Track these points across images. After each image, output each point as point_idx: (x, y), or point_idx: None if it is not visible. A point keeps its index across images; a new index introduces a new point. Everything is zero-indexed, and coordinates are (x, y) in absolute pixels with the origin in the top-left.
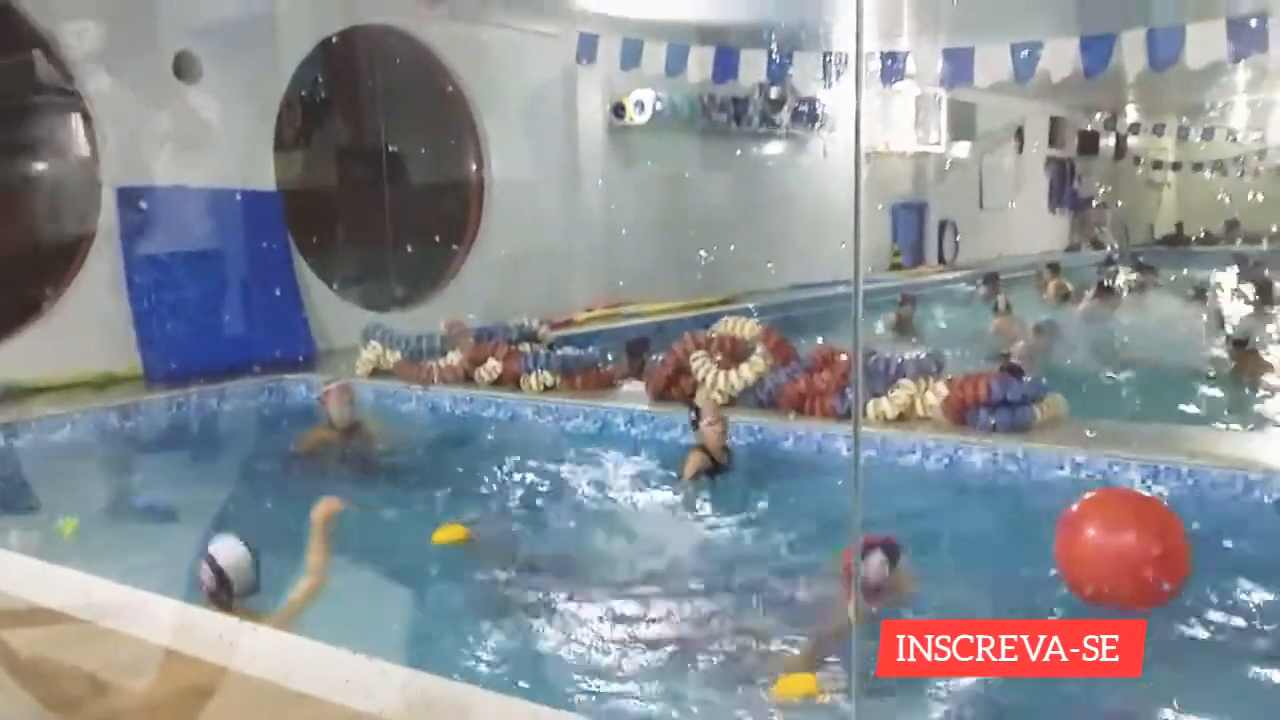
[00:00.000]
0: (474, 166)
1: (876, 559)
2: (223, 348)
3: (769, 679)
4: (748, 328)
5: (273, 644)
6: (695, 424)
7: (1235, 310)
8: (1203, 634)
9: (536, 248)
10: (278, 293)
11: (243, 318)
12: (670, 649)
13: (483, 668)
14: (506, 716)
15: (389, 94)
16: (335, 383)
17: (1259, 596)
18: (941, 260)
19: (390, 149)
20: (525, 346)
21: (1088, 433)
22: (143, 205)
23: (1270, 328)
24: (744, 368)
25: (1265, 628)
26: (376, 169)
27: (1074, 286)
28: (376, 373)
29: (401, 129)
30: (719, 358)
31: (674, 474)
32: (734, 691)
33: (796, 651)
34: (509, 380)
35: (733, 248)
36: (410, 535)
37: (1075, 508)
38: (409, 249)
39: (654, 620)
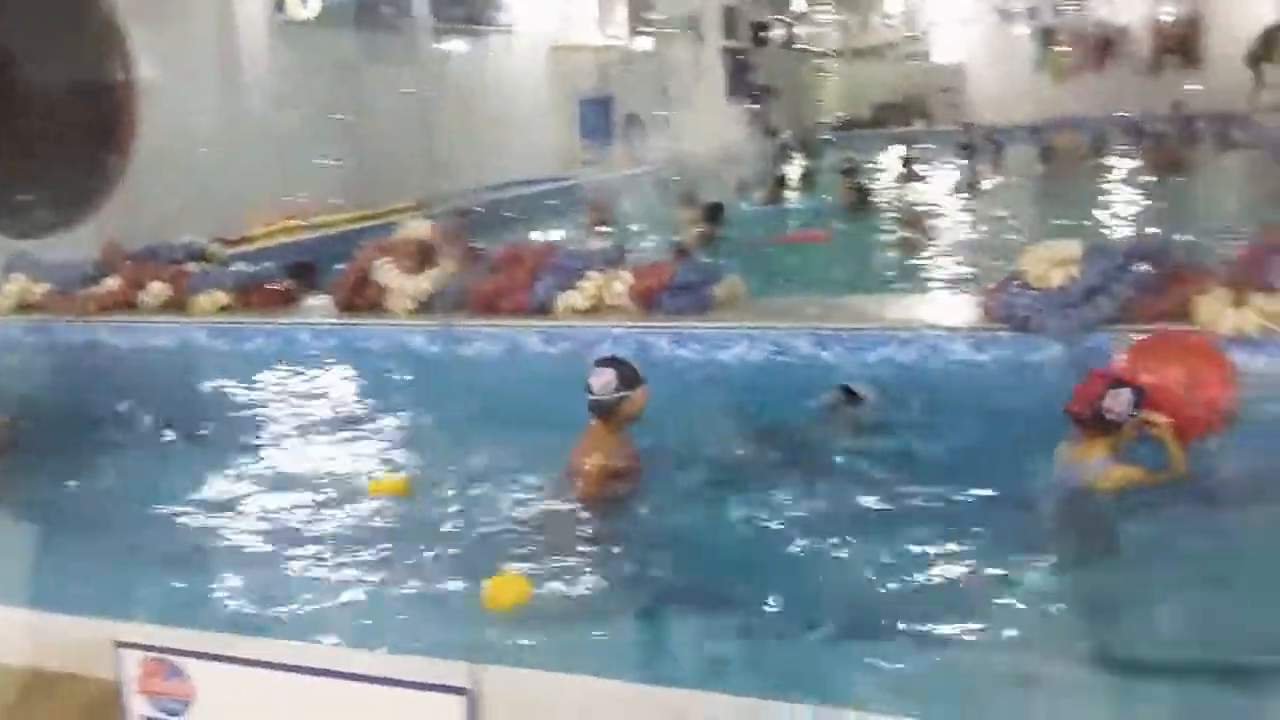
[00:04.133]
0: (120, 71)
1: (1125, 394)
2: None
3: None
4: (425, 229)
5: None
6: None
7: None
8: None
9: (201, 159)
10: None
11: None
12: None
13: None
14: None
15: None
16: None
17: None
18: (630, 154)
19: (14, 53)
20: (193, 266)
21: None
22: None
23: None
24: (431, 271)
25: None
26: (4, 77)
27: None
28: (24, 307)
29: (26, 29)
30: (408, 263)
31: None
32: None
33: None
34: (181, 303)
35: (419, 150)
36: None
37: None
38: (53, 168)
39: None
